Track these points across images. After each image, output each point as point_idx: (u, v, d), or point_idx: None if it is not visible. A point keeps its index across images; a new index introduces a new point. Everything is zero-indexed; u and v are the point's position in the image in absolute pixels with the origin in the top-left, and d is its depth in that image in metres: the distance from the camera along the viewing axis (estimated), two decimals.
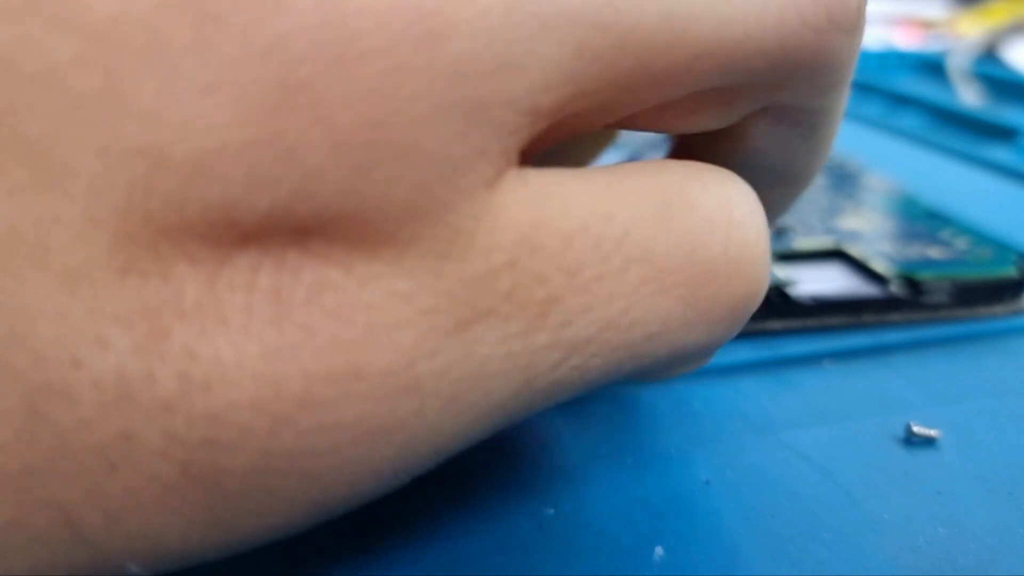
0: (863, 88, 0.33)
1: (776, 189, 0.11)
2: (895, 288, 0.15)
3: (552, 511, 0.10)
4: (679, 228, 0.08)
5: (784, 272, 0.15)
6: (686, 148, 0.11)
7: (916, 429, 0.12)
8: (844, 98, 0.10)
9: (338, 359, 0.06)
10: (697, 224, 0.08)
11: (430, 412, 0.07)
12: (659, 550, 0.09)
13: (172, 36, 0.06)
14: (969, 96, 0.32)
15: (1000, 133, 0.27)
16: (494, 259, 0.07)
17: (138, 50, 0.06)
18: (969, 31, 0.40)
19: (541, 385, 0.08)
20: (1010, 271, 0.16)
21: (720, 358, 0.13)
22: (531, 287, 0.07)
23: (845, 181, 0.21)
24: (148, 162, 0.06)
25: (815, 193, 0.20)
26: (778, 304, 0.14)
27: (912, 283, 0.15)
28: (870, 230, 0.17)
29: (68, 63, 0.06)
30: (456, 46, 0.06)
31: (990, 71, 0.34)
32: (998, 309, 0.15)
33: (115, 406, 0.06)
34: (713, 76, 0.08)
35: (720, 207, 0.08)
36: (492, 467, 0.11)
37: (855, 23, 0.09)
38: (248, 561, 0.09)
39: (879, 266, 0.15)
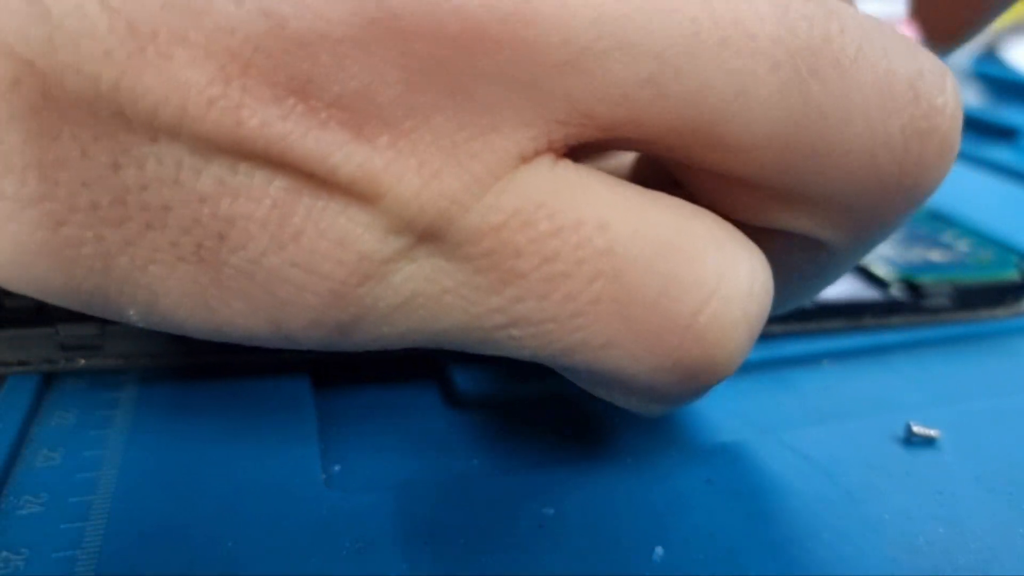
0: None
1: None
2: (896, 292, 0.15)
3: (552, 511, 0.10)
4: (664, 270, 0.08)
5: None
6: None
7: (916, 429, 0.12)
8: (866, 246, 0.10)
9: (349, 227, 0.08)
10: (683, 275, 0.08)
11: (383, 305, 0.08)
12: (659, 550, 0.09)
13: None
14: (969, 96, 0.32)
15: (1000, 133, 0.27)
16: (490, 219, 0.08)
17: None
18: None
19: (478, 336, 0.09)
20: (1012, 274, 0.15)
21: None
22: (506, 257, 0.08)
23: None
24: (268, 24, 0.07)
25: None
26: None
27: (913, 287, 0.15)
28: None
29: None
30: (535, 31, 0.07)
31: (990, 71, 0.34)
32: (999, 312, 0.15)
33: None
34: (770, 173, 0.08)
35: (717, 273, 0.08)
36: (492, 467, 0.11)
37: (944, 172, 0.09)
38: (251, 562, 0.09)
39: (880, 270, 0.15)
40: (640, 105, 0.08)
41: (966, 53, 0.35)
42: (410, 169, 0.08)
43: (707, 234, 0.08)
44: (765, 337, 0.14)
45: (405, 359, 0.12)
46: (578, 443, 0.11)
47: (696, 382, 0.09)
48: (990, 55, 0.38)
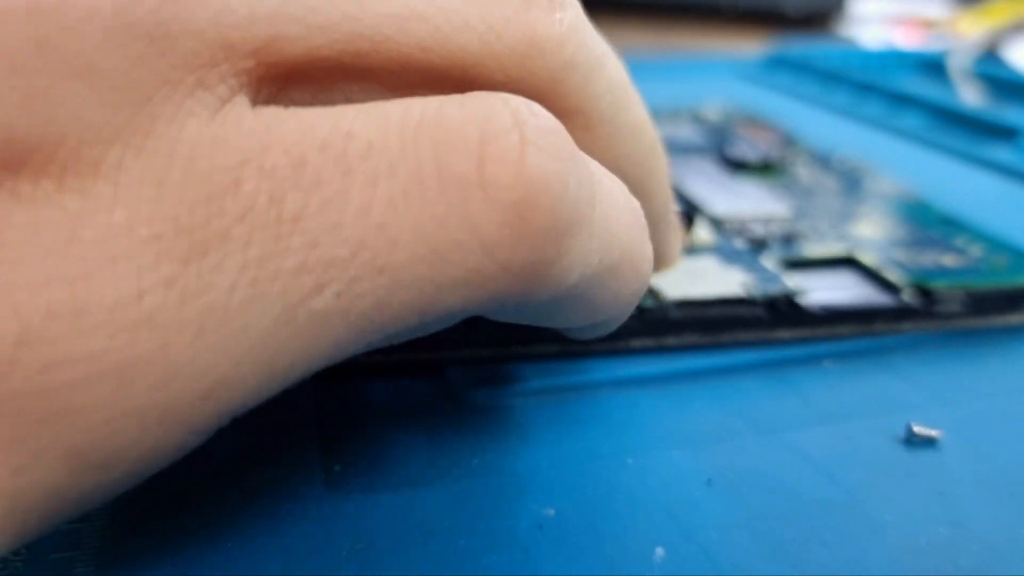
0: (864, 88, 0.32)
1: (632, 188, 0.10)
2: (908, 297, 0.15)
3: (552, 511, 0.10)
4: (426, 144, 0.08)
5: (795, 280, 0.15)
6: None
7: (917, 429, 0.12)
8: (607, 82, 0.10)
9: (56, 294, 0.06)
10: (445, 138, 0.08)
11: (179, 346, 0.07)
12: (659, 551, 0.09)
13: None
14: (970, 96, 0.32)
15: (1001, 133, 0.27)
16: (216, 180, 0.07)
17: None
18: (970, 30, 0.40)
19: (306, 316, 0.07)
20: None
21: (721, 358, 0.13)
22: (265, 207, 0.07)
23: (855, 185, 0.21)
24: None
25: (825, 197, 0.19)
26: (788, 313, 0.14)
27: (925, 292, 0.15)
28: (882, 237, 0.17)
29: None
30: None
31: (991, 71, 0.34)
32: (1013, 318, 0.15)
33: None
34: (423, 38, 0.08)
35: (471, 120, 0.08)
36: (492, 468, 0.11)
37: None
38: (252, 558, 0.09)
39: (891, 275, 0.15)
40: (280, 16, 0.07)
41: (967, 53, 0.35)
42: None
43: (448, 98, 0.08)
44: (770, 341, 0.14)
45: (405, 360, 0.12)
46: (578, 443, 0.11)
47: (543, 228, 0.08)
48: (991, 55, 0.38)
